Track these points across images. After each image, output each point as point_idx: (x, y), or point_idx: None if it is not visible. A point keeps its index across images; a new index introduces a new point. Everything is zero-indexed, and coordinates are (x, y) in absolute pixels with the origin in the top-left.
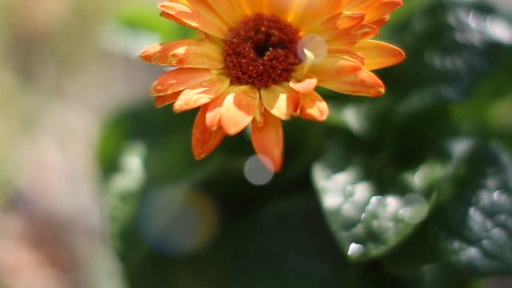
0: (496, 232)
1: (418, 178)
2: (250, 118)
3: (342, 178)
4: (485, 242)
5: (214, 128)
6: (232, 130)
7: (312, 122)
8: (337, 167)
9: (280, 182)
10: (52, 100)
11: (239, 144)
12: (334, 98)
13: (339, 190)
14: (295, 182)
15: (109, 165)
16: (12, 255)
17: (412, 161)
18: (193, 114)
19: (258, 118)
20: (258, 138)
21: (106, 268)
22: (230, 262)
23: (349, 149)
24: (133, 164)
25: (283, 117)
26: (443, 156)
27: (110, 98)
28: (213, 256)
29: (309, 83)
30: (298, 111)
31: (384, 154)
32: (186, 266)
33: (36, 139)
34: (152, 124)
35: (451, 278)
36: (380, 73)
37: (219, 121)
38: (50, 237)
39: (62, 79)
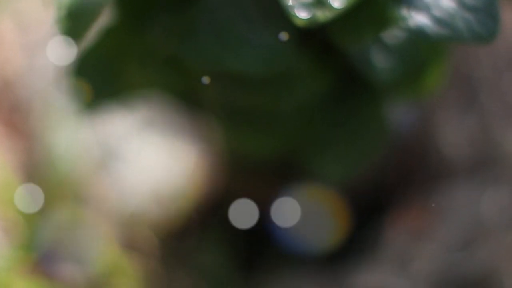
0: (445, 2)
1: None
2: None
3: None
4: (434, 10)
5: None
6: None
7: None
8: None
9: None
10: None
11: None
12: None
13: None
14: None
15: None
16: None
17: None
18: None
19: None
20: None
21: (59, 122)
22: (179, 42)
23: None
24: None
25: None
26: None
27: None
28: (162, 40)
29: None
30: None
31: None
32: (133, 55)
33: None
34: None
35: (404, 69)
36: None
37: None
38: (6, 104)
39: None
